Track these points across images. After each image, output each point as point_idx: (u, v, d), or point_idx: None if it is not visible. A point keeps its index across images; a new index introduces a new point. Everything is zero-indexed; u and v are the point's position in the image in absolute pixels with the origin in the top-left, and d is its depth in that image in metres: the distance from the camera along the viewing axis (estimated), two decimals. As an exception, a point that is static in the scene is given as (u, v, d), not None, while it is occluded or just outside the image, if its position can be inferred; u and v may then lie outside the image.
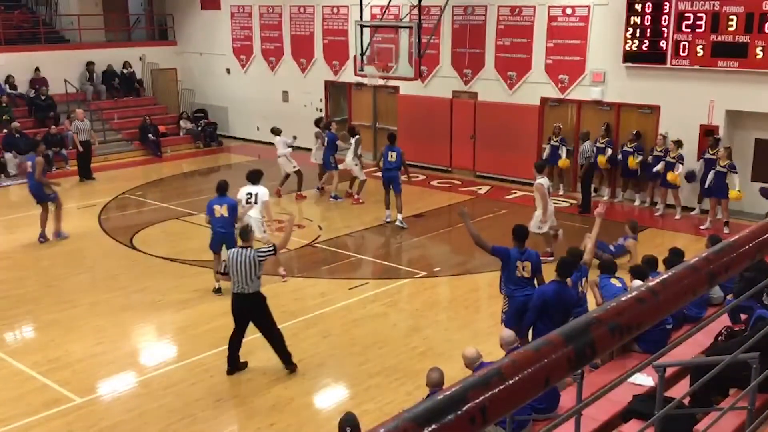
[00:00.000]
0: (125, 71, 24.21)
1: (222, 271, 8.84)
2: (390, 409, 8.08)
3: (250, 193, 12.10)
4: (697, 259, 2.05)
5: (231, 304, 9.06)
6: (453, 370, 7.34)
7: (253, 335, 9.18)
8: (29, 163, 14.38)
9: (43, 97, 21.77)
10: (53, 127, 20.40)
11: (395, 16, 19.08)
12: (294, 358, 9.18)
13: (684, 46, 15.25)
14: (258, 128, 23.44)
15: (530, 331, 8.39)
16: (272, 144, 17.69)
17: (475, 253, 11.42)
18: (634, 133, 16.15)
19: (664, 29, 15.48)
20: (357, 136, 16.88)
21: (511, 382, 1.48)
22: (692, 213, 15.62)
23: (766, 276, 4.74)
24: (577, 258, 8.57)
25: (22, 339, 10.71)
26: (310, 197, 17.43)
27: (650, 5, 15.56)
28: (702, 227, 14.68)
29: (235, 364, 9.13)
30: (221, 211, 11.45)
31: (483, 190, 18.17)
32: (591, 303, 8.62)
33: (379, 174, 15.57)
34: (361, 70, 18.15)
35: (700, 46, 15.05)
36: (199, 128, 24.08)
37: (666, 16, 15.42)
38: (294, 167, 17.14)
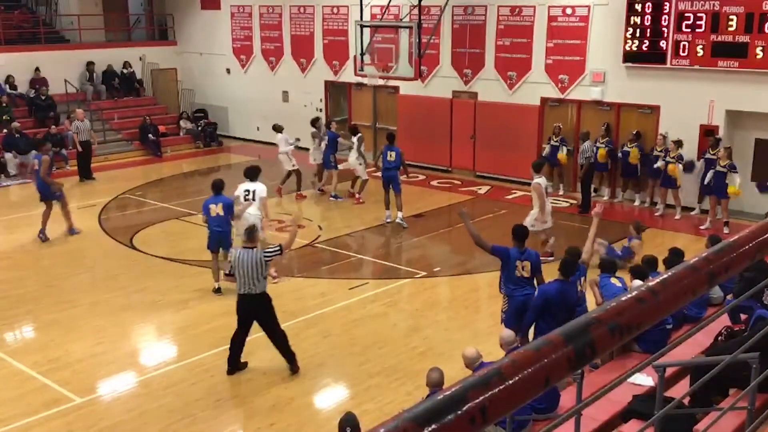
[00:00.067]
0: (125, 71, 24.21)
1: (228, 272, 8.82)
2: (390, 409, 8.08)
3: (248, 190, 12.08)
4: (697, 259, 2.05)
5: (236, 305, 9.04)
6: (453, 370, 7.34)
7: (252, 335, 9.18)
8: (36, 161, 14.57)
9: (43, 97, 21.77)
10: (53, 127, 20.39)
11: (395, 16, 19.08)
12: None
13: (684, 46, 15.25)
14: (258, 128, 23.45)
15: (530, 331, 8.40)
16: (272, 144, 17.71)
17: (475, 253, 11.42)
18: (634, 133, 16.15)
19: (664, 29, 15.48)
20: (359, 135, 16.89)
21: (511, 382, 1.48)
22: (692, 213, 15.62)
23: (766, 276, 4.74)
24: (576, 257, 8.57)
25: (22, 339, 10.71)
26: (310, 197, 17.43)
27: (650, 5, 15.56)
28: (702, 227, 14.68)
29: (235, 365, 9.13)
30: (217, 210, 11.45)
31: (483, 190, 18.17)
32: (590, 303, 8.61)
33: (380, 174, 15.57)
34: (361, 70, 18.15)
35: (700, 46, 15.05)
36: (199, 128, 24.08)
37: (666, 16, 15.42)
38: (293, 165, 17.15)
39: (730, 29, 14.64)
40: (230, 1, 23.94)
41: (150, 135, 22.50)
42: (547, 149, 17.33)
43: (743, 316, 7.64)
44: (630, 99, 16.49)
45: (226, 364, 9.12)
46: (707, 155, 14.97)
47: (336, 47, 21.43)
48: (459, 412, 1.40)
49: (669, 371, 5.79)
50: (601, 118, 16.95)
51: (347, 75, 20.96)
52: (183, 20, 25.52)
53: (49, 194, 14.33)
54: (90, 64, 23.27)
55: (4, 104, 21.06)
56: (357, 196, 16.88)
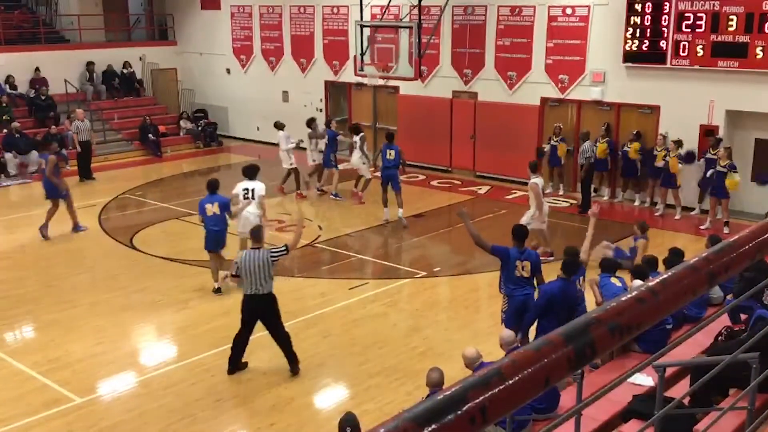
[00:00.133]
0: (125, 71, 24.21)
1: (234, 273, 8.79)
2: (390, 409, 8.08)
3: (247, 189, 12.08)
4: (697, 259, 2.05)
5: (242, 305, 9.04)
6: (453, 370, 7.34)
7: (252, 336, 9.18)
8: (43, 161, 14.86)
9: (43, 97, 21.77)
10: (53, 127, 20.36)
11: (395, 16, 19.08)
12: (295, 358, 9.19)
13: (684, 46, 15.25)
14: (258, 128, 23.45)
15: (530, 331, 8.41)
16: (272, 144, 17.72)
17: (475, 253, 11.42)
18: (635, 132, 16.15)
19: (664, 29, 15.48)
20: (361, 134, 16.90)
21: (511, 382, 1.48)
22: (692, 213, 15.63)
23: (766, 276, 4.74)
24: (576, 257, 8.58)
25: (22, 339, 10.71)
26: (310, 197, 17.43)
27: (650, 5, 15.56)
28: (702, 227, 14.68)
29: (236, 364, 9.13)
30: (213, 209, 11.45)
31: (483, 190, 18.17)
32: (590, 302, 8.61)
33: (379, 173, 15.58)
34: (361, 70, 18.15)
35: (700, 46, 15.05)
36: (199, 128, 24.08)
37: (666, 16, 15.42)
38: (291, 164, 17.17)
39: (730, 29, 14.64)
40: (230, 1, 23.94)
41: (150, 135, 22.50)
42: (547, 149, 17.32)
43: (743, 316, 7.65)
44: (630, 99, 16.49)
45: (227, 364, 9.12)
46: (708, 155, 14.98)
47: (336, 47, 21.43)
48: (459, 412, 1.40)
49: (669, 371, 5.79)
50: (601, 118, 16.95)
51: (347, 75, 20.96)
52: (183, 20, 25.52)
53: (56, 193, 14.42)
54: (90, 64, 23.27)
55: (4, 104, 21.06)
56: (360, 194, 16.86)
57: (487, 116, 18.66)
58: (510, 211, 15.77)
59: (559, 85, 17.50)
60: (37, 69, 22.22)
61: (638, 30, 15.81)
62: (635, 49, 15.92)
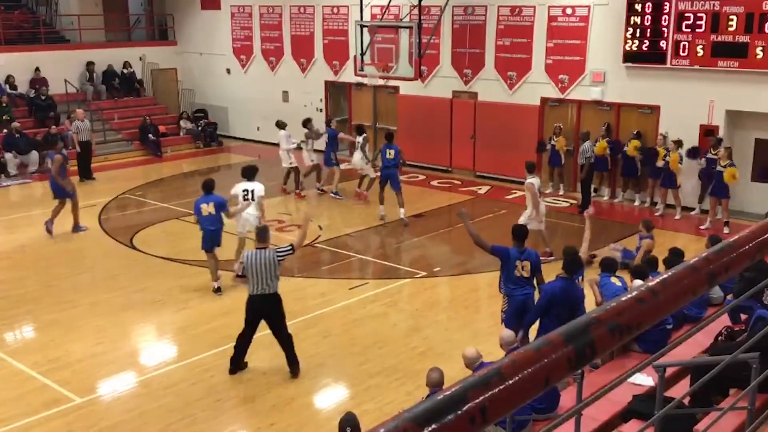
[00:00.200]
0: (125, 71, 24.21)
1: (240, 273, 8.81)
2: (390, 409, 8.08)
3: (247, 190, 12.08)
4: (697, 259, 2.04)
5: (246, 304, 9.03)
6: (453, 370, 7.34)
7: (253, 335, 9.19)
8: (49, 161, 15.13)
9: (43, 97, 21.77)
10: (53, 127, 20.35)
11: (395, 16, 19.08)
12: (295, 358, 9.19)
13: (684, 46, 15.25)
14: (258, 128, 23.45)
15: (530, 331, 8.40)
16: (272, 144, 17.72)
17: (475, 253, 11.42)
18: (635, 132, 16.15)
19: (664, 29, 15.48)
20: (364, 135, 16.91)
21: (511, 382, 1.48)
22: (692, 213, 15.63)
23: (766, 276, 4.74)
24: (576, 256, 8.57)
25: (22, 339, 10.71)
26: (310, 197, 17.43)
27: (650, 5, 15.56)
28: (702, 227, 14.68)
29: (238, 364, 9.12)
30: (209, 209, 11.46)
31: (483, 190, 18.17)
32: (589, 302, 8.60)
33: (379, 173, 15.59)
34: (361, 70, 18.15)
35: (700, 46, 15.05)
36: (199, 128, 24.07)
37: (666, 16, 15.42)
38: (290, 163, 17.18)
39: (730, 29, 14.64)
40: (230, 1, 23.94)
41: (150, 135, 22.50)
42: (548, 146, 17.33)
43: (743, 316, 7.65)
44: (630, 99, 16.49)
45: (229, 364, 9.12)
46: (708, 155, 14.98)
47: (336, 47, 21.43)
48: (459, 412, 1.40)
49: (669, 371, 5.79)
50: (602, 118, 16.95)
51: (347, 75, 20.96)
52: (183, 20, 25.52)
53: (63, 193, 14.47)
54: (90, 64, 23.27)
55: (4, 104, 21.06)
56: (365, 193, 16.85)
57: (487, 116, 18.66)
58: (510, 211, 15.77)
59: (559, 85, 17.50)
60: (37, 69, 22.22)
61: (638, 30, 15.81)
62: (635, 49, 15.92)
